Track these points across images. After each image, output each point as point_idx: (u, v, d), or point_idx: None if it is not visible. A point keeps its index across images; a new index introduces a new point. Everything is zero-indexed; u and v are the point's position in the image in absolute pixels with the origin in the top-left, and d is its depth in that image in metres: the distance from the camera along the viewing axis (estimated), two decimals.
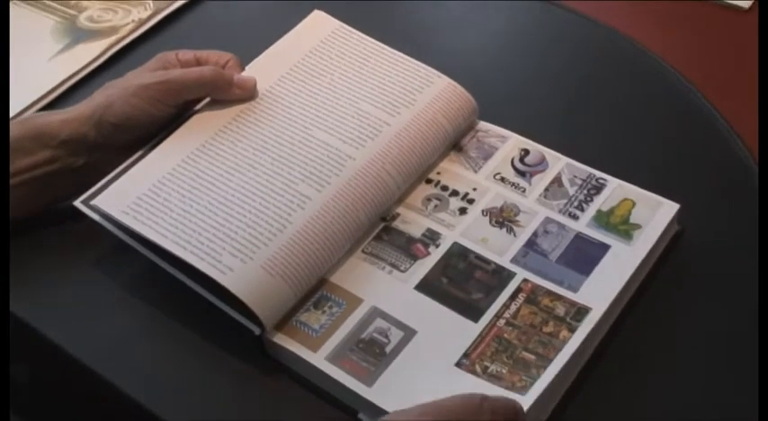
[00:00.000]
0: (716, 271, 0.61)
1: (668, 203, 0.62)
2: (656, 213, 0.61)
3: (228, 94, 0.65)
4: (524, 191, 0.64)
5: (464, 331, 0.56)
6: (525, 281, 0.58)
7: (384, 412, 0.52)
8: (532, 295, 0.58)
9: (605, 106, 0.72)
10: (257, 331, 0.55)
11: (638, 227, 0.61)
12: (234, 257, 0.56)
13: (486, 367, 0.54)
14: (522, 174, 0.65)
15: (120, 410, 0.60)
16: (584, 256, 0.59)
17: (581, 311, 0.56)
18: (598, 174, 0.64)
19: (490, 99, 0.69)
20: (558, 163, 0.65)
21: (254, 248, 0.56)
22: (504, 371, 0.54)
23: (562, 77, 0.75)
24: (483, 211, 0.62)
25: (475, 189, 0.64)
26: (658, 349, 0.58)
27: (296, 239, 0.57)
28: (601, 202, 0.62)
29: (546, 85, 0.74)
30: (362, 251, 0.60)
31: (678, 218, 0.62)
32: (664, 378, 0.56)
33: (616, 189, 0.63)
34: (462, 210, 0.63)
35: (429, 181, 0.65)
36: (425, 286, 0.58)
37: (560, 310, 0.56)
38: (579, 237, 0.61)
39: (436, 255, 0.60)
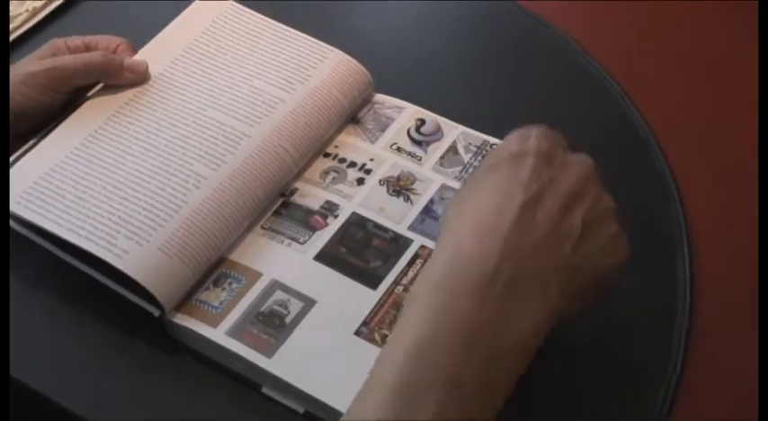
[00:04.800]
0: None
1: None
2: None
3: (120, 78, 0.64)
4: (420, 160, 0.65)
5: (363, 299, 0.56)
6: (422, 247, 0.59)
7: (284, 383, 0.53)
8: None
9: (502, 76, 0.74)
10: (156, 313, 0.55)
11: None
12: (129, 240, 0.56)
13: (385, 335, 0.55)
14: (418, 143, 0.66)
15: (28, 406, 0.59)
16: None
17: None
18: (492, 140, 0.66)
19: (387, 72, 0.69)
20: (454, 131, 0.66)
21: (151, 230, 0.56)
22: None
23: (460, 49, 0.76)
24: (380, 181, 0.63)
25: (372, 160, 0.65)
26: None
27: (192, 219, 0.57)
28: None
29: (443, 57, 0.75)
30: (261, 227, 0.61)
31: None
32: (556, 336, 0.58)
33: None
34: (360, 181, 0.63)
35: (327, 154, 0.65)
36: (324, 256, 0.59)
37: None
38: None
39: (335, 225, 0.61)
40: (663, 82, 0.74)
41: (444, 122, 0.67)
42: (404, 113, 0.67)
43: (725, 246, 0.64)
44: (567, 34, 0.76)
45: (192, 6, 0.70)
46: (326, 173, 0.64)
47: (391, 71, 0.71)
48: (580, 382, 0.56)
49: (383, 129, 0.67)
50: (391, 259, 0.59)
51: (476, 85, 0.73)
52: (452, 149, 0.65)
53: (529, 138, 0.49)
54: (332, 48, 0.68)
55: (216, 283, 0.57)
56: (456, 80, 0.73)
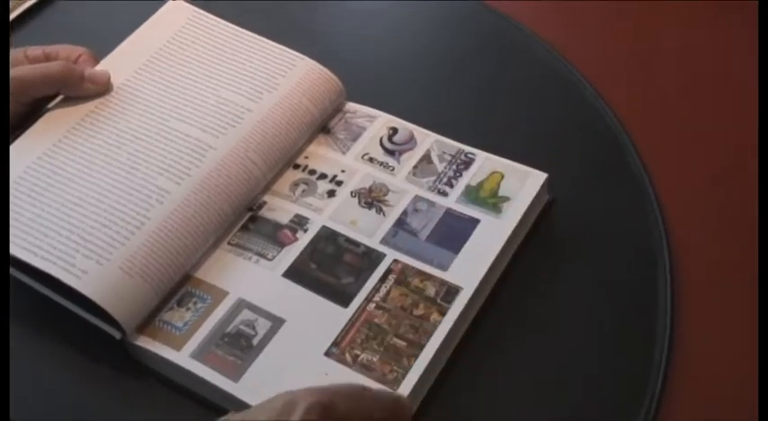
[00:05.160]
0: (589, 237, 0.62)
1: (536, 173, 0.62)
2: (524, 184, 0.61)
3: (80, 89, 0.62)
4: (393, 170, 0.63)
5: (334, 317, 0.54)
6: (395, 261, 0.57)
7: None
8: (402, 276, 0.57)
9: (475, 81, 0.72)
10: (118, 336, 0.53)
11: (506, 199, 0.60)
12: (89, 260, 0.53)
13: (357, 355, 0.53)
14: (390, 152, 0.64)
15: None
16: (453, 233, 0.59)
17: (451, 291, 0.56)
18: (467, 148, 0.64)
19: (359, 79, 0.68)
20: (427, 140, 0.65)
21: (111, 249, 0.54)
22: (374, 359, 0.53)
23: (431, 55, 0.75)
24: (352, 193, 0.61)
25: (343, 171, 0.63)
26: (533, 322, 0.58)
27: (155, 236, 0.55)
28: (470, 177, 0.62)
29: (415, 64, 0.73)
30: (228, 243, 0.59)
31: (550, 187, 0.62)
32: (539, 347, 0.56)
33: (485, 162, 0.63)
34: (331, 193, 0.61)
35: (297, 166, 0.63)
36: (293, 273, 0.57)
37: (431, 291, 0.56)
38: (449, 214, 0.60)
39: (304, 240, 0.58)
40: (636, 81, 0.73)
41: (417, 131, 0.65)
42: (376, 122, 0.65)
43: (706, 254, 0.62)
44: (540, 36, 0.74)
45: (158, 14, 0.68)
46: (296, 185, 0.62)
47: (363, 79, 0.69)
48: (564, 405, 0.55)
49: (355, 138, 0.65)
50: (363, 275, 0.57)
51: (449, 92, 0.71)
52: (426, 158, 0.63)
53: (293, 411, 0.42)
54: (301, 55, 0.66)
55: (180, 303, 0.55)
56: (429, 87, 0.71)
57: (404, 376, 0.52)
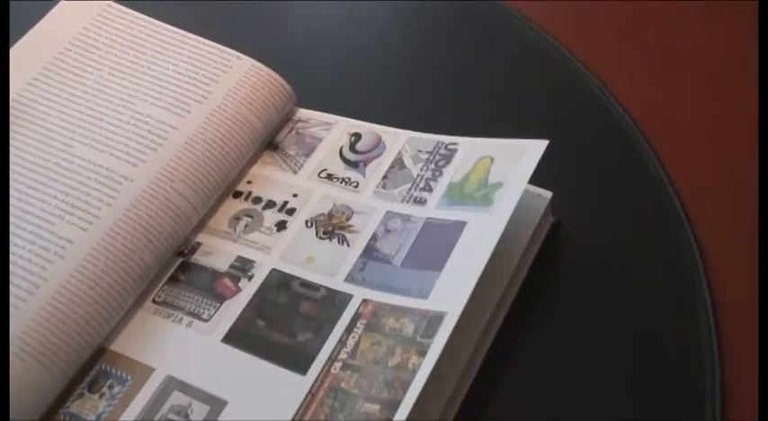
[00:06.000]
0: (606, 269, 0.49)
1: (533, 143, 0.48)
2: (519, 161, 0.47)
3: None
4: (357, 186, 0.50)
5: (289, 390, 0.42)
6: (365, 302, 0.45)
7: None
8: (374, 319, 0.44)
9: (446, 63, 0.59)
10: None
11: (498, 186, 0.47)
12: None
13: None
14: (353, 165, 0.52)
15: None
16: (435, 247, 0.46)
17: (433, 322, 0.43)
18: (447, 139, 0.51)
19: (310, 80, 0.55)
20: (398, 140, 0.52)
21: None
22: None
23: (393, 45, 0.61)
24: (307, 222, 0.49)
25: (296, 195, 0.50)
26: (543, 371, 0.46)
27: (54, 303, 0.43)
28: (452, 173, 0.49)
29: (375, 57, 0.60)
30: (153, 301, 0.46)
31: (553, 208, 0.49)
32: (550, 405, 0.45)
33: (469, 150, 0.50)
34: (281, 226, 0.49)
35: (237, 194, 0.51)
36: (236, 336, 0.44)
37: (409, 329, 0.43)
38: (429, 224, 0.48)
39: (249, 290, 0.46)
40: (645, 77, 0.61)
41: (385, 132, 0.52)
42: (334, 130, 0.53)
43: (740, 263, 0.51)
44: (520, 13, 0.62)
45: (57, 8, 0.55)
46: (237, 219, 0.50)
47: (315, 79, 0.57)
48: None
49: (308, 153, 0.52)
50: (324, 327, 0.45)
51: (416, 80, 0.58)
52: (398, 163, 0.51)
53: None
54: (238, 53, 0.53)
55: (92, 388, 0.43)
56: (393, 80, 0.58)
57: None
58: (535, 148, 0.47)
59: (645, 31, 0.63)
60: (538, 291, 0.48)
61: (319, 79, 0.57)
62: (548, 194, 0.49)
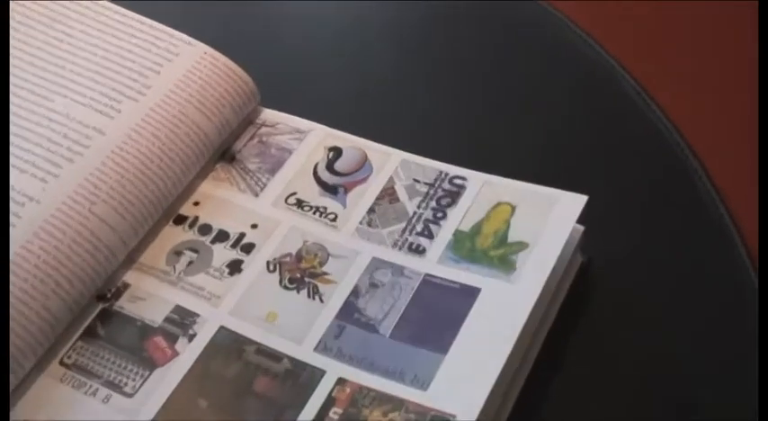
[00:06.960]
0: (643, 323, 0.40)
1: (569, 197, 0.40)
2: (549, 215, 0.39)
3: None
4: (335, 219, 0.41)
5: None
6: (341, 382, 0.35)
7: None
8: (353, 408, 0.35)
9: (455, 63, 0.49)
10: None
11: (522, 246, 0.39)
12: None
13: None
14: (331, 190, 0.42)
15: None
16: (437, 317, 0.37)
17: None
18: (453, 170, 0.42)
19: (278, 74, 0.47)
20: (389, 162, 0.43)
21: None
22: None
23: (381, 38, 0.51)
24: (269, 265, 0.39)
25: (255, 226, 0.40)
26: None
27: None
28: (459, 218, 0.40)
29: (365, 48, 0.51)
30: (61, 363, 0.36)
31: (584, 244, 0.40)
32: None
33: (483, 189, 0.41)
34: (234, 267, 0.39)
35: (181, 219, 0.41)
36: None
37: None
38: (428, 283, 0.38)
39: (189, 355, 0.36)
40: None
41: (372, 148, 0.43)
42: (307, 140, 0.43)
43: None
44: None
45: None
46: (178, 254, 0.39)
47: (285, 73, 0.48)
48: None
49: (274, 169, 0.42)
50: (287, 413, 0.35)
51: (419, 86, 0.48)
52: (388, 194, 0.41)
53: None
54: (188, 38, 0.43)
55: None
56: (386, 82, 0.49)
57: None
58: (571, 204, 0.39)
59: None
60: (561, 346, 0.39)
61: (290, 73, 0.48)
62: (579, 228, 0.40)
